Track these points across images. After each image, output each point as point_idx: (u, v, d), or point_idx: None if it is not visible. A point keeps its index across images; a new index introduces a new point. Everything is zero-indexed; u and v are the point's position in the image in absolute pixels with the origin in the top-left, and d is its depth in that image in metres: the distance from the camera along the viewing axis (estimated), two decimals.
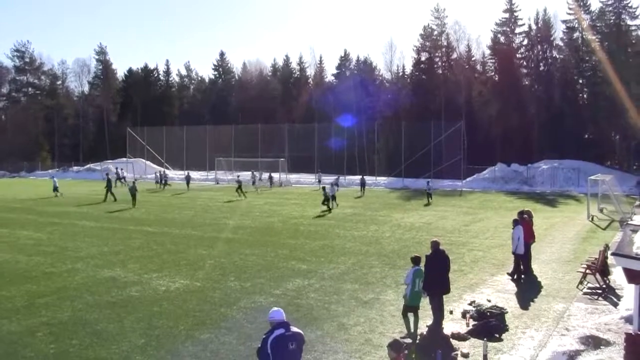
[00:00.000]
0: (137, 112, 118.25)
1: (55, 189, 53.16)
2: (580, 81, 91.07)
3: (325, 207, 41.86)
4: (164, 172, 72.78)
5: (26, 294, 17.98)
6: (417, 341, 13.50)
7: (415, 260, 14.44)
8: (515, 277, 19.80)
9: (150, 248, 26.29)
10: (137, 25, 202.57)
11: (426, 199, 47.99)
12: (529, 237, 21.10)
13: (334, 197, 42.75)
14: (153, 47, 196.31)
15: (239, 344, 13.43)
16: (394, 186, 67.86)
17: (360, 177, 61.07)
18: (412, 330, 13.98)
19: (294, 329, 8.56)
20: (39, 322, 15.15)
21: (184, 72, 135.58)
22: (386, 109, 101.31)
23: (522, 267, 20.06)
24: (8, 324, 14.97)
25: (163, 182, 66.27)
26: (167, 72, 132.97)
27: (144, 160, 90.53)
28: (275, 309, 8.68)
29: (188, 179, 65.46)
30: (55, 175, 65.77)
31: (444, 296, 14.87)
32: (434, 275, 14.41)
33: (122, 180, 68.78)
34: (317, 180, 68.58)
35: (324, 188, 44.14)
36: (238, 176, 58.59)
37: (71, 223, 34.76)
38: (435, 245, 14.87)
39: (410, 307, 14.12)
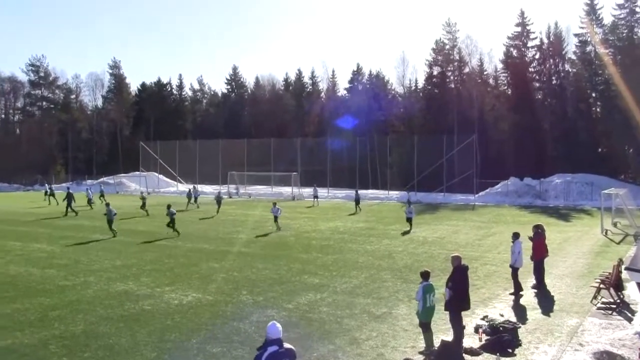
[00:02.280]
0: (150, 126, 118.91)
1: (90, 201, 53.44)
2: (594, 95, 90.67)
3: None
4: (195, 187, 68.10)
5: (39, 306, 18.04)
6: (432, 357, 13.43)
7: (425, 276, 14.35)
8: (518, 293, 19.64)
9: (162, 262, 26.34)
10: (151, 39, 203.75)
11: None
12: (542, 252, 21.01)
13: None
14: (166, 62, 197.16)
15: (251, 358, 13.40)
16: (406, 200, 67.61)
17: (354, 192, 60.68)
18: (430, 344, 13.95)
19: (287, 345, 8.55)
20: (51, 334, 15.19)
21: (196, 86, 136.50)
22: (399, 123, 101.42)
23: (519, 281, 19.97)
24: (21, 337, 15.02)
25: (194, 198, 59.66)
26: (180, 87, 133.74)
27: (157, 174, 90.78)
28: (273, 324, 8.62)
29: (219, 199, 52.92)
30: (70, 188, 65.85)
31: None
32: (459, 291, 14.30)
33: (90, 200, 58.83)
34: (313, 195, 66.98)
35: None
36: (219, 192, 58.19)
37: (84, 236, 34.88)
38: (457, 260, 14.70)
39: (425, 324, 14.11)
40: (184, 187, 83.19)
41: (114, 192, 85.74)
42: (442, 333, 14.73)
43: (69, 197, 49.97)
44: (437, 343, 14.08)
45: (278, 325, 8.60)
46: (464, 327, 14.84)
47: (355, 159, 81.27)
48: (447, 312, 14.51)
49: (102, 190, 68.80)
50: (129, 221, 43.10)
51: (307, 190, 77.21)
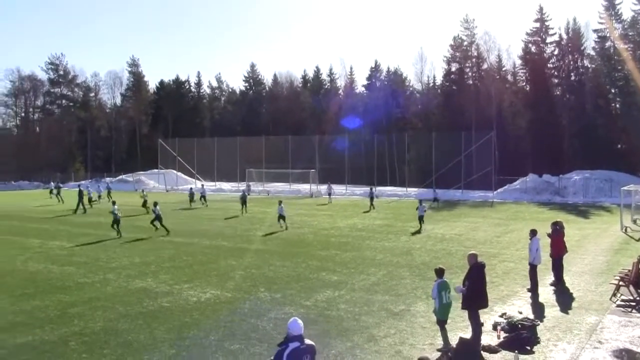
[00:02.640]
0: (169, 123, 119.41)
1: (90, 199, 53.78)
2: (613, 91, 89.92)
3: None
4: (202, 185, 67.58)
5: (59, 303, 18.17)
6: (450, 354, 13.38)
7: (439, 273, 14.63)
8: (535, 291, 19.52)
9: (181, 259, 26.44)
10: (169, 37, 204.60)
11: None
12: (561, 249, 20.89)
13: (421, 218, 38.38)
14: (184, 59, 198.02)
15: (269, 355, 13.29)
16: (424, 197, 67.40)
17: (369, 189, 60.40)
18: (447, 341, 14.06)
19: (308, 341, 8.56)
20: (71, 331, 15.29)
21: (215, 83, 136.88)
22: (416, 120, 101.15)
23: (537, 279, 19.83)
24: (41, 333, 15.12)
25: (201, 197, 57.39)
26: (199, 84, 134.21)
27: (175, 172, 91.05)
28: (295, 320, 8.60)
29: (244, 197, 49.11)
30: (90, 186, 66.17)
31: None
32: (476, 288, 14.27)
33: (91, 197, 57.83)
34: (328, 192, 66.18)
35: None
36: (202, 185, 57.69)
37: (103, 234, 35.05)
38: (474, 258, 14.64)
39: (442, 321, 14.34)
40: (197, 185, 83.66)
41: (133, 189, 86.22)
42: (460, 331, 14.69)
43: (80, 195, 50.90)
44: (455, 341, 14.05)
45: (299, 321, 8.61)
46: (482, 325, 14.80)
47: (374, 156, 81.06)
48: (465, 310, 14.47)
49: (109, 187, 69.68)
50: (144, 218, 43.26)
51: (325, 188, 77.27)
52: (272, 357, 8.59)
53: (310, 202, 60.88)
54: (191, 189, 59.81)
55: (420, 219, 37.73)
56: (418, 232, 35.82)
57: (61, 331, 15.33)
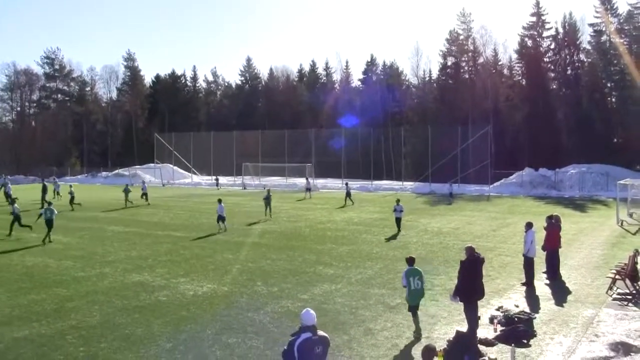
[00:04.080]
0: (165, 118, 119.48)
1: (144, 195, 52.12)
2: (609, 85, 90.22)
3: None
4: (143, 181, 62.59)
5: (56, 297, 18.17)
6: (445, 346, 13.41)
7: (409, 261, 14.98)
8: (531, 284, 19.56)
9: (178, 253, 26.45)
10: (165, 32, 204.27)
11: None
12: (557, 242, 20.95)
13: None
14: (180, 54, 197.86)
15: (266, 349, 13.45)
16: (420, 191, 67.60)
17: (370, 183, 59.53)
18: (419, 328, 14.53)
19: (320, 332, 8.58)
20: (68, 325, 15.30)
21: (210, 78, 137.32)
22: (413, 114, 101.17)
23: (533, 272, 19.90)
24: (38, 327, 15.14)
25: (142, 193, 52.73)
26: (194, 78, 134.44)
27: (171, 166, 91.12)
28: (307, 311, 8.63)
29: (269, 198, 41.67)
30: (85, 181, 65.75)
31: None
32: (469, 282, 14.29)
33: (57, 192, 56.71)
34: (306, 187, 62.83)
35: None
36: (143, 182, 55.33)
37: (100, 228, 35.06)
38: (470, 251, 14.67)
39: (412, 307, 14.65)
40: (198, 179, 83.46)
41: (130, 183, 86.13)
42: (457, 324, 14.72)
43: (43, 190, 50.59)
44: (452, 334, 14.09)
45: (312, 312, 8.64)
46: (479, 318, 14.86)
47: (370, 150, 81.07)
48: (462, 303, 14.51)
49: (56, 181, 63.13)
50: (142, 212, 43.28)
51: (321, 182, 77.36)
52: (284, 347, 8.59)
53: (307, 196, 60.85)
54: (127, 185, 52.63)
55: (398, 221, 33.56)
56: (394, 237, 31.41)
57: (58, 325, 15.33)
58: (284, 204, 51.04)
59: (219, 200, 35.02)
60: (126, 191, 49.72)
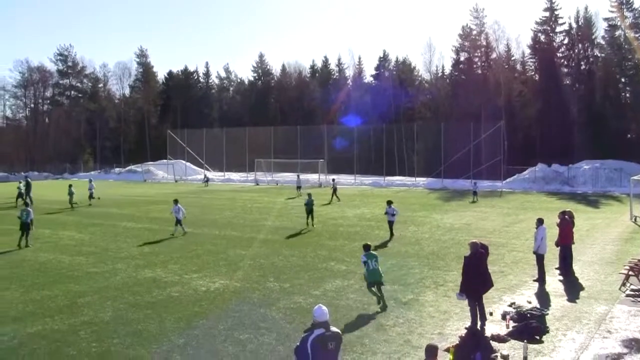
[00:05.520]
0: (177, 114, 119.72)
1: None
2: (623, 80, 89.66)
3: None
4: (90, 180, 53.76)
5: (69, 293, 18.25)
6: (457, 342, 13.37)
7: (366, 248, 17.43)
8: (543, 280, 19.46)
9: (190, 249, 26.49)
10: (178, 28, 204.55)
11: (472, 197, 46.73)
12: (570, 238, 20.85)
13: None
14: (193, 50, 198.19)
15: (278, 344, 13.46)
16: (433, 187, 67.45)
17: (382, 179, 57.88)
18: (381, 299, 16.63)
19: (333, 328, 8.58)
20: (81, 321, 15.36)
21: (223, 74, 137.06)
22: (425, 110, 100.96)
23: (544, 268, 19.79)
24: (51, 323, 15.20)
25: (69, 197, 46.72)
26: (207, 74, 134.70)
27: (184, 162, 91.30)
28: (319, 307, 8.63)
29: (311, 205, 34.30)
30: (97, 177, 65.22)
31: (483, 298, 14.72)
32: (472, 276, 14.28)
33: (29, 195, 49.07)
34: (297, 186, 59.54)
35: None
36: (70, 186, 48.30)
37: (112, 224, 35.18)
38: (474, 246, 14.65)
39: (371, 283, 16.69)
40: (211, 175, 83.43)
41: (142, 179, 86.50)
42: (469, 320, 14.65)
43: (27, 187, 48.42)
44: (463, 331, 14.07)
45: (324, 308, 8.65)
46: (490, 314, 14.86)
47: (382, 146, 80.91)
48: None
49: (28, 180, 52.27)
50: (157, 209, 43.38)
51: (334, 177, 77.21)
52: (297, 344, 8.59)
53: (320, 192, 60.74)
54: (70, 187, 47.43)
55: (390, 225, 29.92)
56: (386, 243, 28.13)
57: (71, 321, 15.39)
58: (298, 200, 50.99)
59: (175, 201, 32.00)
60: (70, 193, 45.95)
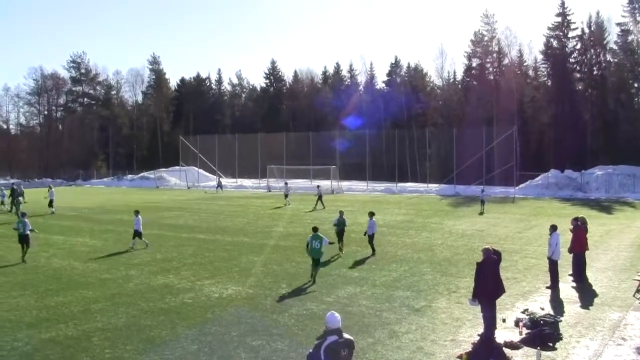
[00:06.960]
0: (190, 120, 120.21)
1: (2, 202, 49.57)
2: (636, 85, 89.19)
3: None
4: (50, 188, 49.68)
5: (82, 299, 18.31)
6: (470, 349, 13.33)
7: (314, 230, 21.01)
8: (556, 287, 19.36)
9: (202, 255, 26.55)
10: (190, 35, 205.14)
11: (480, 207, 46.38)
12: (583, 245, 20.76)
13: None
14: (205, 57, 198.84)
15: (291, 351, 13.45)
16: (445, 193, 67.33)
17: (394, 185, 57.16)
18: (313, 275, 20.65)
19: (346, 335, 8.56)
20: (94, 327, 15.40)
21: (235, 80, 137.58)
22: (437, 116, 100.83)
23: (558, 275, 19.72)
24: (65, 329, 15.25)
25: (12, 201, 47.59)
26: (219, 81, 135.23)
27: (196, 169, 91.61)
28: (332, 314, 8.61)
29: (343, 224, 27.39)
30: (110, 184, 65.55)
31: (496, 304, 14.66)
32: (484, 282, 14.23)
33: (18, 200, 46.63)
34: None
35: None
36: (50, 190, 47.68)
37: (125, 230, 35.20)
38: (487, 252, 14.60)
39: (314, 259, 20.59)
40: (223, 182, 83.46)
41: (154, 186, 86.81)
42: (482, 327, 14.61)
43: (12, 194, 47.73)
44: (476, 338, 14.03)
45: (337, 315, 8.61)
46: (504, 320, 14.80)
47: (394, 152, 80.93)
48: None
49: (14, 188, 50.26)
50: (167, 216, 43.48)
51: (346, 184, 77.23)
52: (310, 350, 8.58)
53: (332, 198, 60.74)
54: (2, 189, 47.78)
55: (370, 239, 26.76)
56: (368, 257, 26.12)
57: (84, 327, 15.44)
58: (307, 206, 50.97)
59: (136, 212, 29.61)
60: (14, 196, 45.59)
